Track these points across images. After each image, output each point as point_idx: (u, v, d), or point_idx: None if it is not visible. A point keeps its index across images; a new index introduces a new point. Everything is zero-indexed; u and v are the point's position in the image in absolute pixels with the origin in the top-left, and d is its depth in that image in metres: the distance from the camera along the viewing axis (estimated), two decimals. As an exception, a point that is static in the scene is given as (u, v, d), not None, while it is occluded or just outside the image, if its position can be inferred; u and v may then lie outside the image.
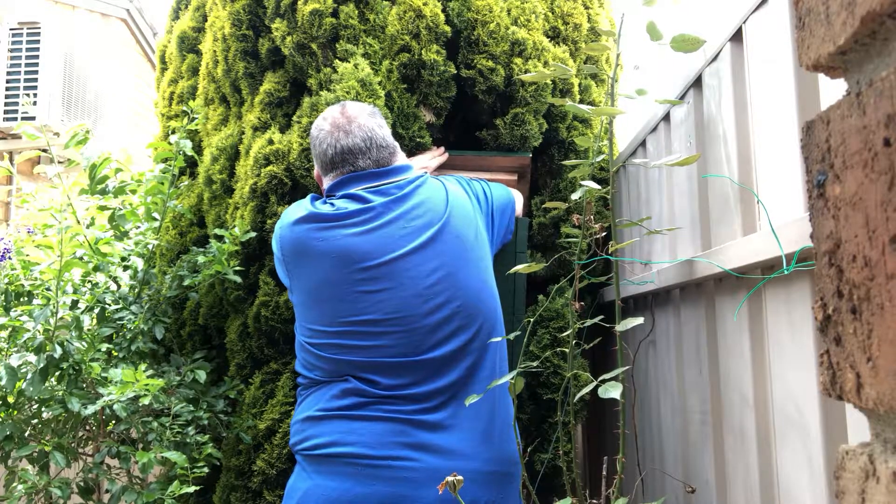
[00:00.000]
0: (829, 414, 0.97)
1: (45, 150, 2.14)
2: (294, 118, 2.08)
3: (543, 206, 1.85)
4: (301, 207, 1.65)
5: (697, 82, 1.49)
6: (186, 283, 2.08)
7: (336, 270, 1.55)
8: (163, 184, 2.17)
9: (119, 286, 2.21)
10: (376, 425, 1.50)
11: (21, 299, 2.02)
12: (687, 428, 1.56)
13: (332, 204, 1.62)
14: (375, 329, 1.53)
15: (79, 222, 2.05)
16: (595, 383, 1.37)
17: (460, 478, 1.46)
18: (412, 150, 2.10)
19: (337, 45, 2.07)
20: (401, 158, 1.73)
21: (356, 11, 2.07)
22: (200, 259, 2.03)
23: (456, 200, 1.67)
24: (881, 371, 0.33)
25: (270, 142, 2.04)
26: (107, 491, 1.87)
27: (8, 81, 6.02)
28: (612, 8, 2.54)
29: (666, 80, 1.70)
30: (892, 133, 0.32)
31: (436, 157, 2.06)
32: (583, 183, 1.44)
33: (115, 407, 1.78)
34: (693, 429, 1.52)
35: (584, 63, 2.32)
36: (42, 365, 1.81)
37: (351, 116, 1.67)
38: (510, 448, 1.60)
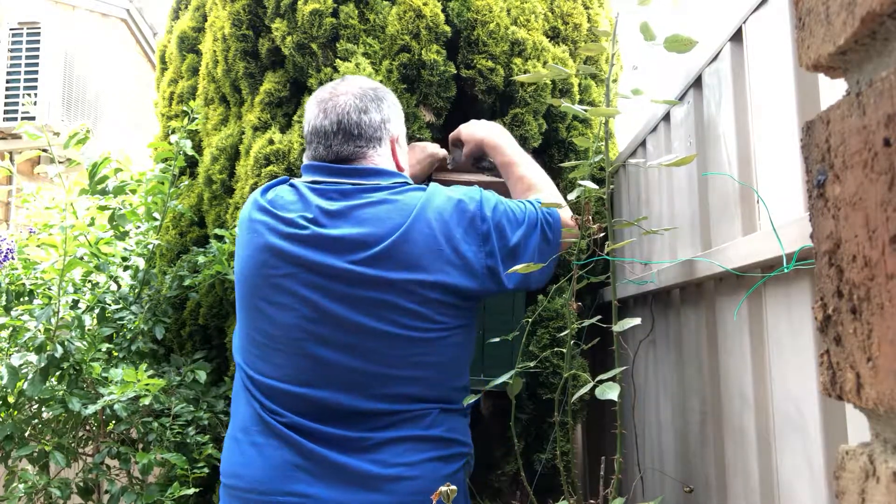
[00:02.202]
0: (829, 414, 0.97)
1: (45, 150, 2.14)
2: (294, 118, 2.08)
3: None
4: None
5: (697, 82, 1.49)
6: (187, 283, 2.08)
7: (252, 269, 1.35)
8: (163, 184, 2.18)
9: (119, 286, 2.21)
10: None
11: (22, 299, 2.02)
12: (687, 428, 1.56)
13: (291, 185, 1.41)
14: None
15: (80, 221, 2.05)
16: (592, 384, 1.37)
17: (454, 487, 1.46)
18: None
19: (337, 45, 2.07)
20: (384, 157, 1.42)
21: (356, 11, 2.07)
22: (201, 259, 2.03)
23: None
24: (881, 371, 0.33)
25: (271, 142, 2.04)
26: (106, 491, 1.87)
27: (8, 81, 6.01)
28: (612, 8, 2.54)
29: (666, 80, 1.70)
30: (892, 133, 0.32)
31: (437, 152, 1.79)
32: (580, 183, 1.44)
33: (115, 407, 1.78)
34: (693, 429, 1.52)
35: (584, 63, 2.32)
36: (43, 364, 1.81)
37: (338, 92, 1.43)
38: None
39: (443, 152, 1.76)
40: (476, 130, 1.65)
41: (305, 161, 1.45)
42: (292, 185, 1.39)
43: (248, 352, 1.35)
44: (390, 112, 1.44)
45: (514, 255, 1.36)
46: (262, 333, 1.32)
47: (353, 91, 1.41)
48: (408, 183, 1.40)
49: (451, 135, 1.74)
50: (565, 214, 1.44)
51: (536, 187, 1.50)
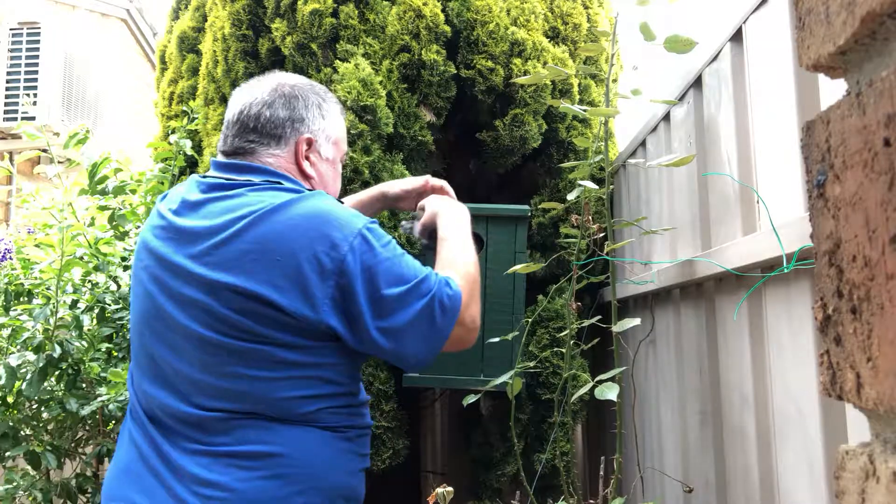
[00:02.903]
0: (829, 414, 0.97)
1: (45, 150, 2.14)
2: (294, 118, 2.08)
3: (541, 206, 1.83)
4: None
5: (697, 82, 1.48)
6: (186, 283, 2.08)
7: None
8: (163, 183, 2.17)
9: (119, 286, 2.21)
10: None
11: (21, 299, 2.01)
12: (687, 428, 1.56)
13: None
14: None
15: (79, 221, 2.05)
16: (592, 384, 1.38)
17: (450, 489, 1.46)
18: (413, 149, 2.10)
19: (337, 46, 2.07)
20: (280, 158, 1.24)
21: (356, 11, 2.07)
22: (200, 259, 2.03)
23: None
24: (881, 371, 0.33)
25: (270, 142, 2.04)
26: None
27: (8, 81, 6.02)
28: (612, 8, 2.54)
29: (666, 80, 1.70)
30: (892, 133, 0.32)
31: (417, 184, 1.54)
32: (580, 182, 1.44)
33: (110, 407, 1.78)
34: (693, 429, 1.52)
35: (584, 63, 2.32)
36: (41, 364, 1.81)
37: (254, 84, 1.29)
38: None
39: (395, 191, 1.55)
40: (432, 203, 1.44)
41: None
42: (193, 178, 1.29)
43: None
44: (306, 113, 1.27)
45: (379, 311, 1.12)
46: (130, 324, 1.26)
47: (269, 85, 1.27)
48: (284, 183, 1.21)
49: (419, 202, 1.50)
50: (470, 311, 1.19)
51: (452, 267, 1.25)
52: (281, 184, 1.20)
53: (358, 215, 1.18)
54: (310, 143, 1.27)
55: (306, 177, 1.27)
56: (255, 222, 1.11)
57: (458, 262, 1.27)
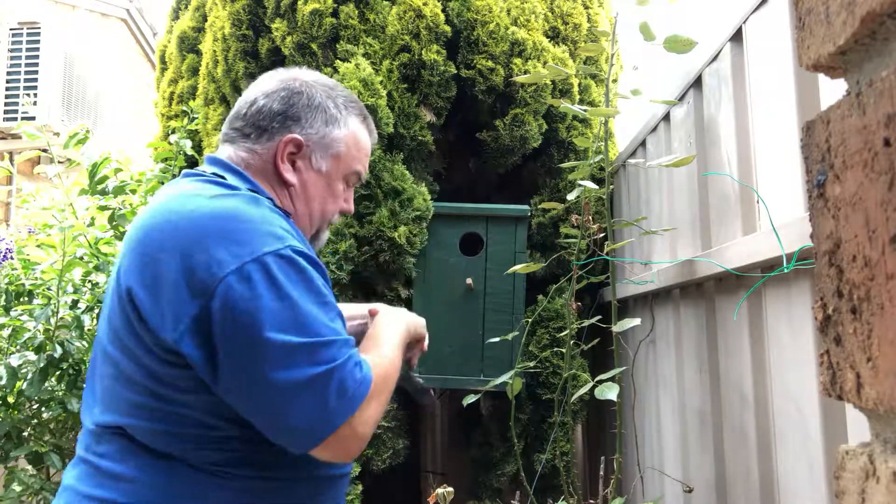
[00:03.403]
0: (829, 414, 0.97)
1: (45, 150, 2.14)
2: (294, 118, 2.08)
3: (541, 206, 1.83)
4: None
5: (697, 82, 1.48)
6: (186, 283, 2.08)
7: None
8: (163, 183, 2.17)
9: (119, 286, 2.21)
10: None
11: (21, 299, 2.01)
12: (687, 428, 1.56)
13: None
14: None
15: (79, 221, 2.05)
16: (592, 384, 1.38)
17: (450, 489, 1.46)
18: (413, 149, 2.10)
19: (337, 45, 2.07)
20: (255, 154, 1.09)
21: (356, 11, 2.07)
22: (200, 259, 2.03)
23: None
24: (881, 371, 0.33)
25: (270, 142, 2.04)
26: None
27: (8, 81, 6.02)
28: (611, 8, 2.54)
29: (666, 80, 1.70)
30: (892, 133, 0.32)
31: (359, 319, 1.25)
32: (580, 182, 1.45)
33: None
34: (693, 429, 1.52)
35: (584, 63, 2.32)
36: (42, 364, 1.81)
37: (276, 71, 1.19)
38: None
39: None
40: (379, 312, 1.22)
41: None
42: (182, 174, 1.17)
43: None
44: (306, 113, 1.11)
45: (253, 356, 0.88)
46: None
47: (285, 76, 1.15)
48: (228, 177, 1.05)
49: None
50: (369, 411, 0.94)
51: (369, 353, 1.03)
52: (224, 178, 1.05)
53: (279, 236, 0.94)
54: (298, 145, 1.10)
55: (284, 182, 1.10)
56: (154, 214, 0.98)
57: (379, 353, 1.04)
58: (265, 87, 1.13)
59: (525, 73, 2.08)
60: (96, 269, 2.07)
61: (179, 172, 2.23)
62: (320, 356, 0.90)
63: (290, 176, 1.10)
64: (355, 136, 1.16)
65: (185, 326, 0.90)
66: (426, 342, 1.34)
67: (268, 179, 1.09)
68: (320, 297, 0.94)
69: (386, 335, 1.12)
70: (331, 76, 2.03)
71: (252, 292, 0.89)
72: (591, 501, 1.51)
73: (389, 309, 1.23)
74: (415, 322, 1.26)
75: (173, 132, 2.36)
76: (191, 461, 0.96)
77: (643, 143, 1.94)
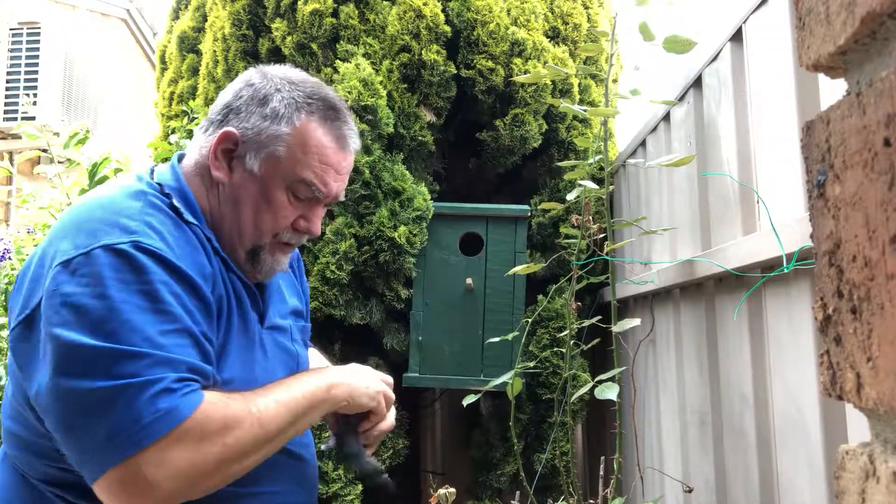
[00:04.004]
0: (829, 414, 0.97)
1: (45, 150, 2.14)
2: (294, 118, 2.08)
3: (540, 206, 1.83)
4: None
5: (697, 82, 1.48)
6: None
7: None
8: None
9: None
10: None
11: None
12: (687, 428, 1.56)
13: None
14: None
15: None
16: (591, 384, 1.38)
17: (452, 490, 1.46)
18: (413, 149, 2.10)
19: (337, 46, 2.07)
20: (196, 147, 1.02)
21: (356, 11, 2.07)
22: (200, 259, 2.03)
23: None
24: (881, 371, 0.33)
25: (270, 142, 2.04)
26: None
27: (8, 81, 6.02)
28: (612, 8, 2.54)
29: (666, 80, 1.70)
30: (892, 133, 0.32)
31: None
32: (580, 183, 1.45)
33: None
34: (693, 429, 1.52)
35: (584, 63, 2.32)
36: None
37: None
38: None
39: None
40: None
41: None
42: None
43: None
44: (246, 105, 0.99)
45: (46, 355, 0.78)
46: None
47: (259, 69, 1.06)
48: (141, 172, 1.00)
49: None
50: (166, 457, 0.75)
51: (252, 395, 0.87)
52: (152, 173, 0.99)
53: (130, 230, 0.84)
54: (234, 141, 0.98)
55: (213, 181, 0.99)
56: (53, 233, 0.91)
57: (254, 400, 0.85)
58: (240, 78, 1.06)
59: (525, 73, 2.08)
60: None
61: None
62: (119, 369, 0.74)
63: (218, 172, 0.98)
64: (304, 137, 0.98)
65: (17, 321, 0.83)
66: (389, 420, 1.07)
67: (204, 178, 1.00)
68: (156, 304, 0.80)
69: (295, 386, 0.91)
70: (331, 76, 2.03)
71: (70, 286, 0.79)
72: (591, 501, 1.51)
73: (350, 368, 1.03)
74: (366, 392, 1.00)
75: (173, 132, 2.36)
76: (28, 472, 0.88)
77: (643, 143, 1.94)
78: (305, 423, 0.92)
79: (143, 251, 0.82)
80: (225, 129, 0.98)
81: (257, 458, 0.85)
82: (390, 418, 1.09)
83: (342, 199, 1.07)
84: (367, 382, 1.02)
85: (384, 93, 1.99)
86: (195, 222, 0.94)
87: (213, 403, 0.80)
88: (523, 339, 1.82)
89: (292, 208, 0.99)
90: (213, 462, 0.78)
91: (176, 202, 0.94)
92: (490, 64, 2.08)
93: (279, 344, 1.05)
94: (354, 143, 1.04)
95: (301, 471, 1.06)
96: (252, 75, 1.04)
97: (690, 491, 1.45)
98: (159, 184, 0.96)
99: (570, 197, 1.55)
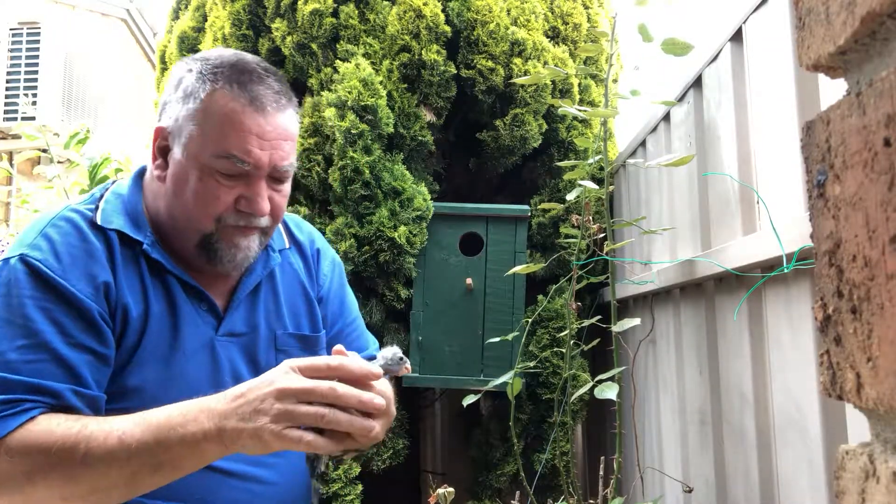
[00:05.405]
0: (829, 414, 0.97)
1: (45, 151, 2.15)
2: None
3: (540, 206, 1.83)
4: None
5: (697, 82, 1.49)
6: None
7: None
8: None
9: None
10: None
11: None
12: (687, 428, 1.56)
13: None
14: None
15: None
16: (591, 384, 1.38)
17: (451, 489, 1.46)
18: (413, 149, 2.10)
19: (337, 45, 2.07)
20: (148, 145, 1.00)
21: (356, 11, 2.07)
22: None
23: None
24: (881, 371, 0.33)
25: (270, 142, 2.04)
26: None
27: (8, 81, 6.02)
28: (612, 8, 2.54)
29: (666, 81, 1.70)
30: (892, 133, 0.32)
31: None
32: (580, 183, 1.45)
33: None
34: (693, 429, 1.52)
35: (584, 63, 2.32)
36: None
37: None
38: None
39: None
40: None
41: None
42: None
43: None
44: (171, 95, 0.97)
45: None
46: None
47: (180, 61, 1.02)
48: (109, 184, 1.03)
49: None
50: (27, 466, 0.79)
51: (105, 421, 0.83)
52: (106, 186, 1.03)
53: (28, 243, 0.86)
54: (164, 136, 0.97)
55: (161, 179, 0.98)
56: None
57: (96, 425, 0.80)
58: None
59: (525, 73, 2.08)
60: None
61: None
62: None
63: (157, 171, 0.97)
64: (211, 107, 0.91)
65: None
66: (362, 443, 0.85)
67: (156, 180, 0.99)
68: (14, 317, 0.81)
69: (153, 417, 0.81)
70: (331, 76, 2.03)
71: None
72: (591, 501, 1.51)
73: (266, 377, 0.84)
74: (254, 430, 0.78)
75: (173, 132, 2.36)
76: None
77: (643, 143, 1.94)
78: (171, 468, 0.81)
79: (25, 264, 0.84)
80: (159, 126, 0.97)
81: (100, 489, 0.78)
82: (379, 394, 0.85)
83: (289, 168, 0.97)
84: (254, 418, 0.78)
85: (384, 93, 1.99)
86: (117, 228, 0.93)
87: (34, 431, 0.78)
88: (523, 339, 1.82)
89: (226, 188, 0.93)
90: (14, 486, 0.77)
91: (103, 208, 0.94)
92: (490, 64, 2.08)
93: (241, 352, 1.00)
94: (278, 102, 0.94)
95: (248, 491, 0.97)
96: (178, 64, 1.00)
97: (690, 491, 1.45)
98: (101, 195, 0.98)
99: (570, 197, 1.55)
